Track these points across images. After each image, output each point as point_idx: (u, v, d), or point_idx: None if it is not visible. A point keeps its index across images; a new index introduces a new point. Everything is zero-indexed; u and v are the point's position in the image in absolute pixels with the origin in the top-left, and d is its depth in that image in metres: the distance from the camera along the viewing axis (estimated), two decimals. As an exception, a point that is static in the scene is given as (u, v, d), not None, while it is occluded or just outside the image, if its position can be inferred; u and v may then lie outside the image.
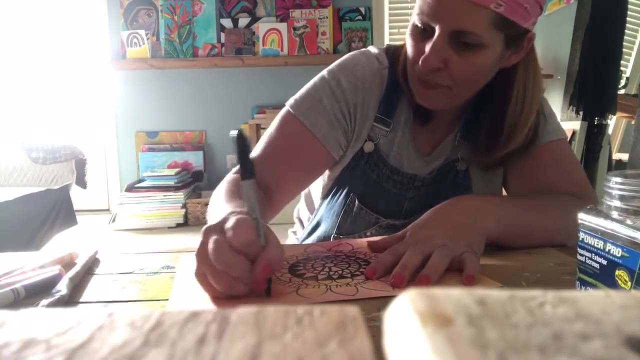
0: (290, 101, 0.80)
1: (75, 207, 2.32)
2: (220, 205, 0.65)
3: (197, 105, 3.58)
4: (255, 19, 3.53)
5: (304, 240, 0.92)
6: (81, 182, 2.28)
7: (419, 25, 0.69)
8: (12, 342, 0.17)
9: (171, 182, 3.24)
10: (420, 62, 0.69)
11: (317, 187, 0.91)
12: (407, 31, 0.74)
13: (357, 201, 0.81)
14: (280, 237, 0.95)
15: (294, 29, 3.49)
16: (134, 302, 0.53)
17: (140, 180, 3.42)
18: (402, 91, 0.80)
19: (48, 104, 3.59)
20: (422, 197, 0.82)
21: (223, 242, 0.47)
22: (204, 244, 0.48)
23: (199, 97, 3.58)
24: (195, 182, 3.51)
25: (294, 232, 1.03)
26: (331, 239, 0.84)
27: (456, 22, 0.65)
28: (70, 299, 0.53)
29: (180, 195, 3.19)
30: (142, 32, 3.51)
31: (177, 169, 3.39)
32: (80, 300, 0.54)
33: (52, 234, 2.16)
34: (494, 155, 0.78)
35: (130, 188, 3.28)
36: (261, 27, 3.51)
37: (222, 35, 3.53)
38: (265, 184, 0.75)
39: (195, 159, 3.55)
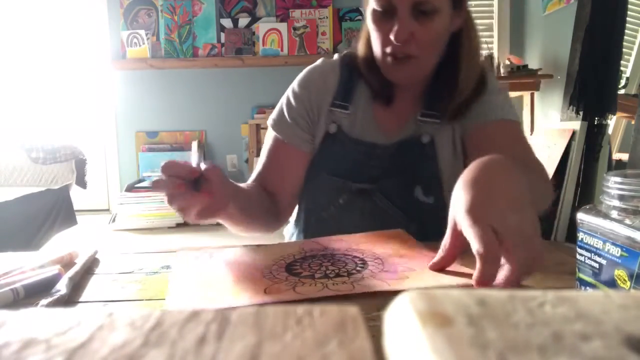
0: (269, 118, 0.96)
1: (75, 207, 2.32)
2: None
3: (197, 105, 3.58)
4: (255, 19, 3.53)
5: (294, 230, 0.97)
6: (81, 182, 2.28)
7: (379, 9, 0.80)
8: (12, 342, 0.17)
9: (171, 182, 3.23)
10: (393, 38, 0.79)
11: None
12: (368, 21, 0.84)
13: (326, 174, 0.90)
14: (277, 234, 0.98)
15: (294, 29, 3.49)
16: (133, 302, 0.53)
17: (140, 180, 3.42)
18: (362, 78, 0.92)
19: (48, 104, 3.59)
20: (385, 165, 0.88)
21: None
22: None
23: (199, 97, 3.58)
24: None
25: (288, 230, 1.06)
26: (310, 216, 0.92)
27: None
28: (70, 299, 0.53)
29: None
30: (142, 32, 3.51)
31: (177, 169, 3.38)
32: (80, 300, 0.54)
33: (52, 234, 2.16)
34: (453, 103, 0.86)
35: (130, 188, 3.28)
36: (261, 27, 3.51)
37: (222, 35, 3.53)
38: (269, 191, 0.89)
39: (195, 159, 3.55)
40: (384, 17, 0.80)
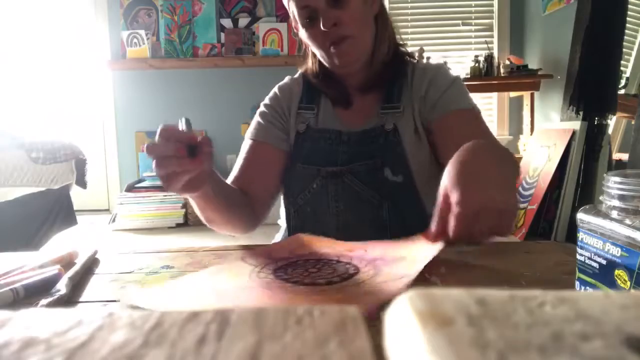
0: (248, 135, 1.02)
1: (75, 207, 2.32)
2: None
3: (197, 105, 3.58)
4: (255, 19, 3.54)
5: (285, 229, 1.01)
6: (81, 182, 2.28)
7: (306, 19, 0.91)
8: (12, 342, 0.17)
9: (171, 182, 3.24)
10: (323, 28, 0.89)
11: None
12: (304, 37, 0.95)
13: (300, 164, 0.97)
14: (271, 232, 1.02)
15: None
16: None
17: (140, 180, 3.42)
18: (317, 89, 1.01)
19: (48, 104, 3.59)
20: (353, 151, 0.95)
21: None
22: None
23: (199, 97, 3.58)
24: (195, 182, 3.51)
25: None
26: (290, 207, 0.97)
27: None
28: (70, 299, 0.53)
29: (180, 196, 3.19)
30: (142, 32, 3.51)
31: (177, 169, 3.39)
32: (80, 300, 0.54)
33: (52, 234, 2.16)
34: (367, 78, 0.98)
35: (130, 188, 3.28)
36: (261, 27, 3.51)
37: (222, 35, 3.53)
38: (247, 193, 0.93)
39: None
40: (312, 23, 0.91)
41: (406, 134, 0.95)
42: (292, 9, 0.95)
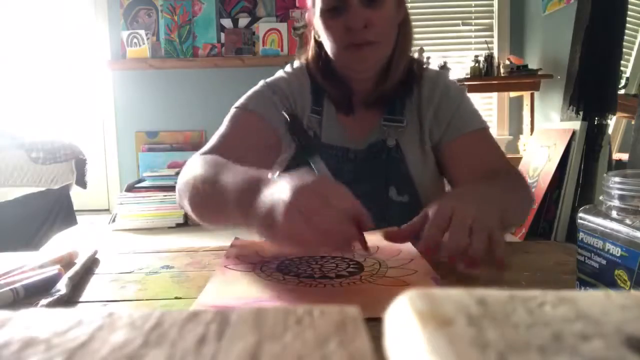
0: (236, 104, 0.90)
1: (75, 207, 2.32)
2: (246, 179, 0.59)
3: (197, 105, 3.58)
4: (255, 19, 3.53)
5: None
6: (81, 182, 2.28)
7: (328, 7, 0.82)
8: (12, 342, 0.17)
9: (171, 182, 3.24)
10: (349, 26, 0.81)
11: None
12: (318, 25, 0.86)
13: None
14: None
15: (294, 29, 3.49)
16: (133, 302, 0.53)
17: (140, 180, 3.42)
18: (322, 88, 0.92)
19: (48, 103, 3.59)
20: (359, 169, 0.90)
21: (335, 187, 0.51)
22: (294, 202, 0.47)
23: (199, 97, 3.58)
24: (195, 182, 3.51)
25: None
26: None
27: None
28: (70, 299, 0.53)
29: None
30: (142, 32, 3.51)
31: (177, 169, 3.39)
32: (80, 300, 0.54)
33: (52, 234, 2.16)
34: (377, 91, 0.91)
35: (130, 188, 3.28)
36: (261, 27, 3.51)
37: (222, 35, 3.53)
38: None
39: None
40: (334, 15, 0.82)
41: (410, 150, 0.90)
42: (317, 13, 0.85)
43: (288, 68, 0.97)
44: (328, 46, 0.87)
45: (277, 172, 0.54)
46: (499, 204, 0.65)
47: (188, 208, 0.73)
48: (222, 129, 0.87)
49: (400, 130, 0.91)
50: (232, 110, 0.89)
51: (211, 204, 0.66)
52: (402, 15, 0.90)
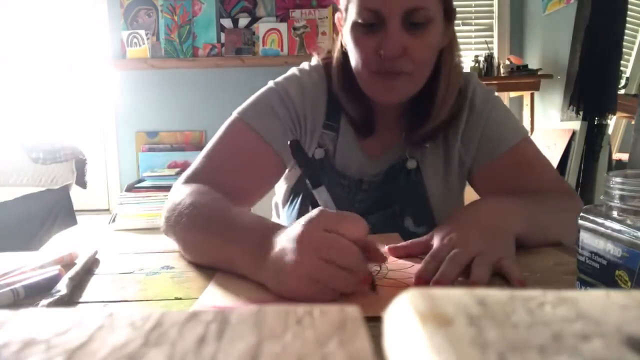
0: (239, 109, 0.80)
1: (75, 207, 2.32)
2: (246, 222, 0.57)
3: (197, 105, 3.58)
4: (255, 19, 3.53)
5: None
6: (81, 182, 2.28)
7: (363, 22, 0.70)
8: (12, 342, 0.17)
9: (171, 182, 3.21)
10: (383, 51, 0.69)
11: (280, 197, 0.93)
12: (348, 37, 0.73)
13: (310, 207, 0.81)
14: None
15: (294, 29, 3.49)
16: (133, 302, 0.53)
17: (140, 180, 3.42)
18: (340, 103, 0.81)
19: (48, 103, 3.59)
20: (372, 199, 0.83)
21: (345, 241, 0.46)
22: (311, 249, 0.45)
23: (199, 97, 3.58)
24: (195, 182, 3.50)
25: None
26: None
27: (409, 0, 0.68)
28: (70, 299, 0.53)
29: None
30: (142, 32, 3.51)
31: (177, 169, 3.38)
32: (80, 300, 0.54)
33: (52, 234, 2.16)
34: (422, 129, 0.80)
35: (130, 188, 3.28)
36: (261, 27, 3.51)
37: (222, 35, 3.53)
38: (223, 192, 0.71)
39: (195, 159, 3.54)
40: (368, 32, 0.70)
41: (432, 175, 0.82)
42: (348, 23, 0.73)
43: (305, 66, 0.84)
44: (354, 64, 0.75)
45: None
46: (520, 224, 0.63)
47: (175, 244, 0.68)
48: (216, 142, 0.78)
49: (424, 152, 0.82)
50: (233, 117, 0.79)
51: (205, 249, 0.61)
52: (448, 38, 0.77)
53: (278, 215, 0.98)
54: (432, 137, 0.81)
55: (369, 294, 0.49)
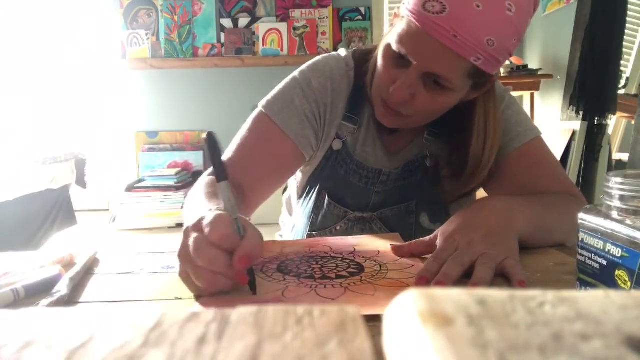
0: (263, 102, 0.81)
1: (75, 207, 2.32)
2: (198, 206, 0.64)
3: (197, 105, 3.58)
4: (255, 19, 3.53)
5: (288, 226, 0.94)
6: (81, 182, 2.28)
7: (396, 50, 0.69)
8: (12, 342, 0.17)
9: (171, 182, 3.24)
10: (390, 92, 0.71)
11: (294, 190, 0.94)
12: (380, 51, 0.74)
13: (327, 197, 0.84)
14: (268, 238, 0.96)
15: (294, 29, 3.49)
16: (133, 302, 0.53)
17: (140, 180, 3.42)
18: (366, 95, 0.82)
19: (48, 104, 3.59)
20: (390, 191, 0.84)
21: (202, 239, 0.49)
22: (185, 244, 0.50)
23: (199, 97, 3.58)
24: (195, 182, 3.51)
25: (281, 236, 1.04)
26: (305, 237, 0.86)
27: (434, 65, 0.67)
28: (70, 299, 0.53)
29: (180, 195, 3.19)
30: (142, 32, 3.51)
31: (177, 169, 3.39)
32: (80, 300, 0.54)
33: (52, 234, 2.16)
34: (457, 193, 0.81)
35: (130, 188, 3.28)
36: (261, 27, 3.51)
37: (222, 35, 3.53)
38: (240, 184, 0.75)
39: (195, 159, 3.55)
40: (395, 60, 0.70)
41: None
42: (390, 36, 0.70)
43: (335, 55, 0.84)
44: (375, 75, 0.76)
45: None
46: (524, 225, 0.64)
47: None
48: (241, 134, 0.80)
49: (442, 147, 0.82)
50: (258, 111, 0.81)
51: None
52: (475, 95, 0.75)
53: (289, 210, 0.98)
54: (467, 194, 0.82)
55: (249, 296, 0.51)
